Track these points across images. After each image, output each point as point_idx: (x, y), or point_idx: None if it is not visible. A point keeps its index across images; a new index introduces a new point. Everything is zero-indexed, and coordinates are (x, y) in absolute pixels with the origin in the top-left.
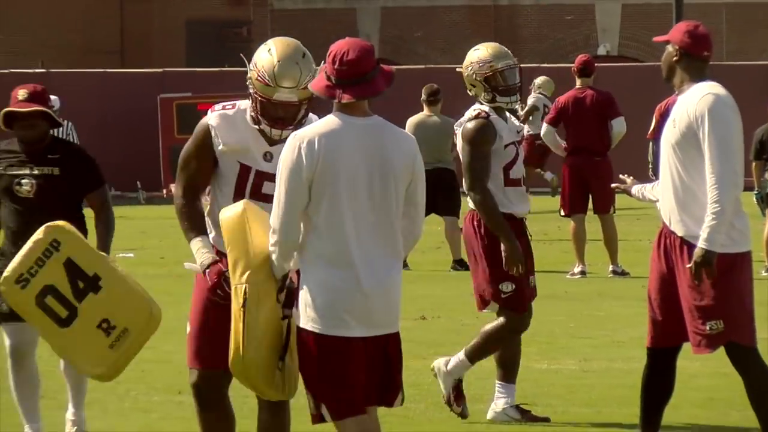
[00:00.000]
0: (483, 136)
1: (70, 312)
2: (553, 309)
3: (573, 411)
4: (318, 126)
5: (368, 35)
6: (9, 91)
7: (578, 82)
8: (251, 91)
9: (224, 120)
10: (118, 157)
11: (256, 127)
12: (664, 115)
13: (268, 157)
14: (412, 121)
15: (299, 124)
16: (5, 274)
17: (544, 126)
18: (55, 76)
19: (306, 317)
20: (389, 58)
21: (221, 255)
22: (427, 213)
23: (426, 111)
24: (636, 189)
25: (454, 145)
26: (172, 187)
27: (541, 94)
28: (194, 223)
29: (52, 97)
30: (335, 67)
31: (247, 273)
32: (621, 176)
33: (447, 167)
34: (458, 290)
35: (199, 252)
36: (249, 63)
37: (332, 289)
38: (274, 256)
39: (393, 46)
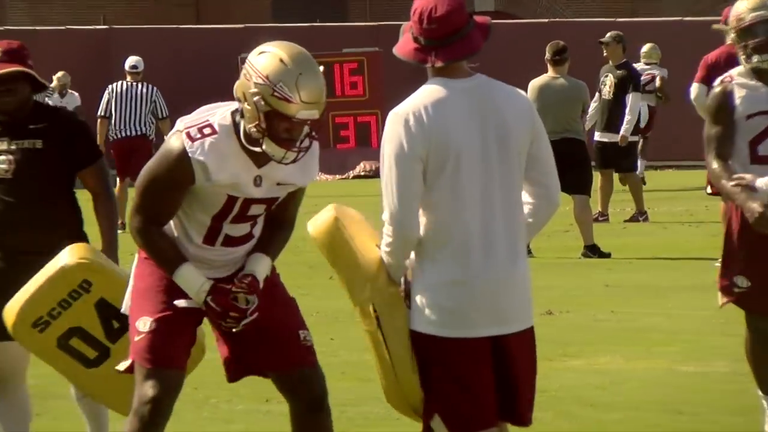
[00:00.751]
0: (715, 104)
1: (100, 352)
2: (699, 302)
3: (723, 420)
4: (419, 96)
5: None
6: (68, 51)
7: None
8: (260, 107)
9: (214, 153)
10: None
11: (257, 149)
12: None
13: (258, 181)
14: (534, 84)
15: (307, 147)
16: (16, 311)
17: (695, 86)
18: (119, 33)
19: (422, 319)
20: (507, 11)
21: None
22: None
23: (551, 72)
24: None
25: (584, 111)
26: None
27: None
28: (172, 253)
29: (134, 57)
30: (423, 26)
31: (368, 287)
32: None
33: (576, 137)
34: (590, 280)
35: (192, 281)
36: (250, 72)
37: (454, 284)
38: (389, 257)
39: None
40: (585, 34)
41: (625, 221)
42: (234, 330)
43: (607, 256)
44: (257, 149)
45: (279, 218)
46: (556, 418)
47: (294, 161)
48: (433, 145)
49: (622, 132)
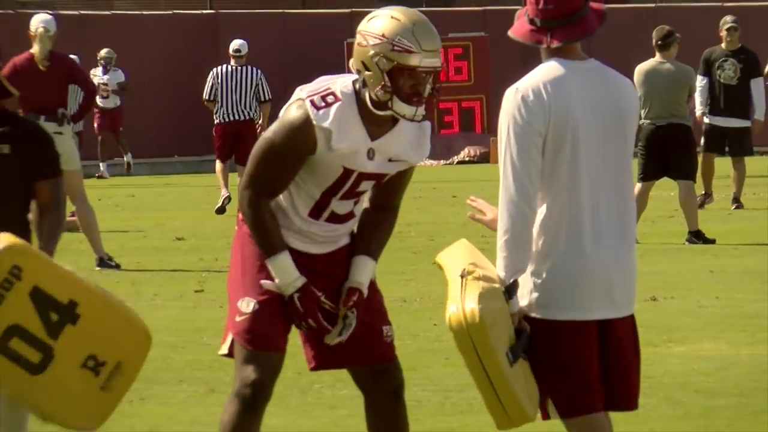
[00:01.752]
0: None
1: (44, 354)
2: None
3: None
4: (538, 73)
5: None
6: (174, 35)
7: None
8: (383, 65)
9: (338, 120)
10: None
11: (387, 112)
12: None
13: (371, 154)
14: (641, 68)
15: (437, 98)
16: None
17: None
18: (225, 18)
19: (531, 301)
20: None
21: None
22: (659, 176)
23: (658, 57)
24: None
25: (690, 96)
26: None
27: None
28: (276, 236)
29: (238, 40)
30: (539, 7)
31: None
32: None
33: (682, 122)
34: (694, 266)
35: (287, 272)
36: (366, 38)
37: (563, 266)
38: (506, 244)
39: None
40: (692, 18)
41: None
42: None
43: (712, 242)
44: (387, 112)
45: (385, 205)
46: (661, 403)
47: (418, 119)
48: (552, 122)
49: (757, 116)
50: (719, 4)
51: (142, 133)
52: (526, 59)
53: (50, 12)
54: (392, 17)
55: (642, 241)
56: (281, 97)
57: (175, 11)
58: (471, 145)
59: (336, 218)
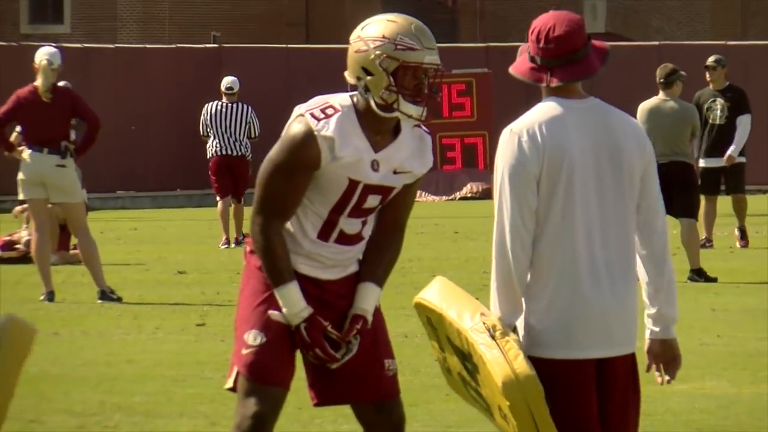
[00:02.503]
0: None
1: None
2: None
3: None
4: (535, 113)
5: (594, 5)
6: (178, 69)
7: None
8: (386, 65)
9: (339, 128)
10: None
11: (393, 114)
12: None
13: (375, 166)
14: (644, 106)
15: (437, 96)
16: None
17: None
18: (229, 51)
19: (528, 341)
20: (618, 32)
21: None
22: None
23: (661, 95)
24: None
25: (693, 135)
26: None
27: None
28: (285, 265)
29: (230, 78)
30: (540, 45)
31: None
32: None
33: (685, 161)
34: (696, 304)
35: (294, 302)
36: (365, 43)
37: (559, 304)
38: (499, 285)
39: (623, 17)
40: (696, 56)
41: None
42: (315, 362)
43: (714, 280)
44: (393, 114)
45: (391, 224)
46: None
47: (423, 119)
48: (546, 163)
49: (730, 152)
50: (723, 42)
51: (145, 166)
52: (529, 95)
53: (54, 45)
54: (388, 20)
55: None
56: (279, 132)
57: (178, 45)
58: (473, 181)
59: (345, 239)
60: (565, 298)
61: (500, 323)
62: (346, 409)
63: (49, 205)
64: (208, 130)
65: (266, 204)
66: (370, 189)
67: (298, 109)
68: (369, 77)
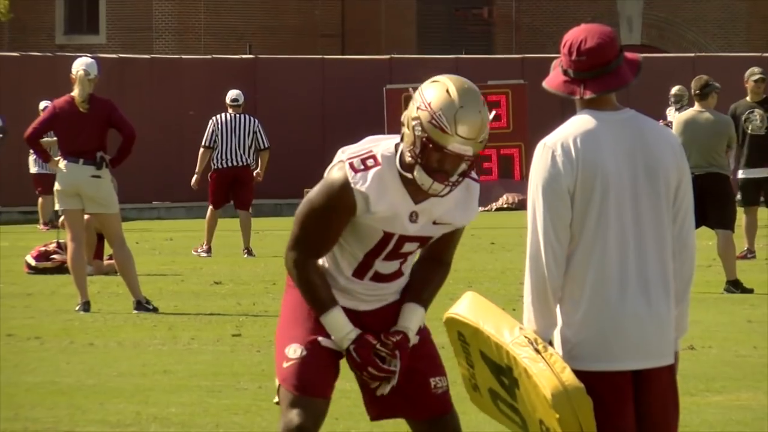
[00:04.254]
0: None
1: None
2: None
3: None
4: (569, 127)
5: (630, 18)
6: (213, 79)
7: None
8: (417, 132)
9: (376, 184)
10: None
11: (409, 175)
12: None
13: (414, 217)
14: (680, 118)
15: (456, 183)
16: None
17: None
18: (265, 62)
19: (564, 354)
20: (653, 44)
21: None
22: (698, 225)
23: (697, 107)
24: None
25: (729, 147)
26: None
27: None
28: (326, 293)
29: (235, 91)
30: (572, 58)
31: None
32: None
33: (721, 172)
34: (732, 316)
35: (339, 326)
36: (417, 99)
37: (595, 316)
38: (532, 300)
39: (658, 30)
40: (731, 68)
41: None
42: (371, 386)
43: (750, 291)
44: (409, 175)
45: (436, 258)
46: None
47: (440, 195)
48: (580, 176)
49: None
50: (759, 54)
51: (180, 177)
52: (564, 106)
53: (90, 56)
54: (446, 90)
55: None
56: (320, 143)
57: (214, 56)
58: (509, 192)
59: (381, 278)
60: (600, 311)
61: (536, 336)
62: (383, 421)
63: (87, 216)
64: (216, 140)
65: (300, 242)
66: (406, 238)
67: (341, 153)
68: (405, 131)
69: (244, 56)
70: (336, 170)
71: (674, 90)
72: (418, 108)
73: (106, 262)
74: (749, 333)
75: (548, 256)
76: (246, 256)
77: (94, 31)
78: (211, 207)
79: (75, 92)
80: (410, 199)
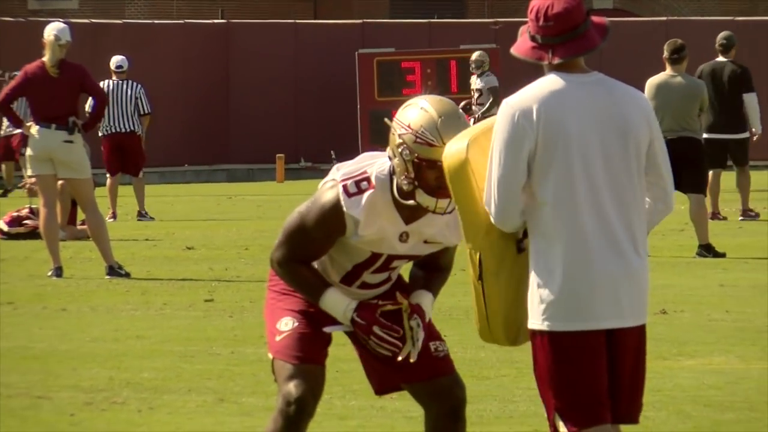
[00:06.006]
0: None
1: None
2: None
3: None
4: (533, 88)
5: None
6: (186, 45)
7: None
8: (406, 156)
9: (368, 209)
10: (310, 123)
11: (410, 202)
12: None
13: (404, 238)
14: (652, 82)
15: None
16: None
17: None
18: (238, 27)
19: (537, 314)
20: (625, 8)
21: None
22: None
23: (669, 70)
24: None
25: (702, 110)
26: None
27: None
28: (316, 279)
29: (119, 57)
30: (539, 24)
31: (480, 236)
32: None
33: (693, 136)
34: (705, 280)
35: (338, 303)
36: (396, 126)
37: (569, 276)
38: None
39: None
40: (704, 32)
41: (741, 219)
42: (394, 354)
43: (722, 255)
44: (410, 202)
45: (435, 266)
46: (671, 417)
47: (447, 212)
48: (541, 136)
49: (755, 130)
50: (731, 18)
51: (153, 142)
52: (537, 71)
53: (63, 21)
54: (422, 108)
55: (652, 255)
56: (292, 107)
57: (186, 21)
58: None
59: (369, 286)
60: (573, 271)
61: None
62: (355, 386)
63: (60, 182)
64: None
65: (287, 249)
66: (395, 257)
67: (336, 171)
68: (395, 160)
69: (216, 21)
70: (329, 191)
71: (475, 56)
72: (399, 134)
73: (79, 227)
74: (722, 297)
75: (506, 207)
76: (139, 219)
77: None
78: (108, 176)
79: (45, 57)
80: (401, 221)
